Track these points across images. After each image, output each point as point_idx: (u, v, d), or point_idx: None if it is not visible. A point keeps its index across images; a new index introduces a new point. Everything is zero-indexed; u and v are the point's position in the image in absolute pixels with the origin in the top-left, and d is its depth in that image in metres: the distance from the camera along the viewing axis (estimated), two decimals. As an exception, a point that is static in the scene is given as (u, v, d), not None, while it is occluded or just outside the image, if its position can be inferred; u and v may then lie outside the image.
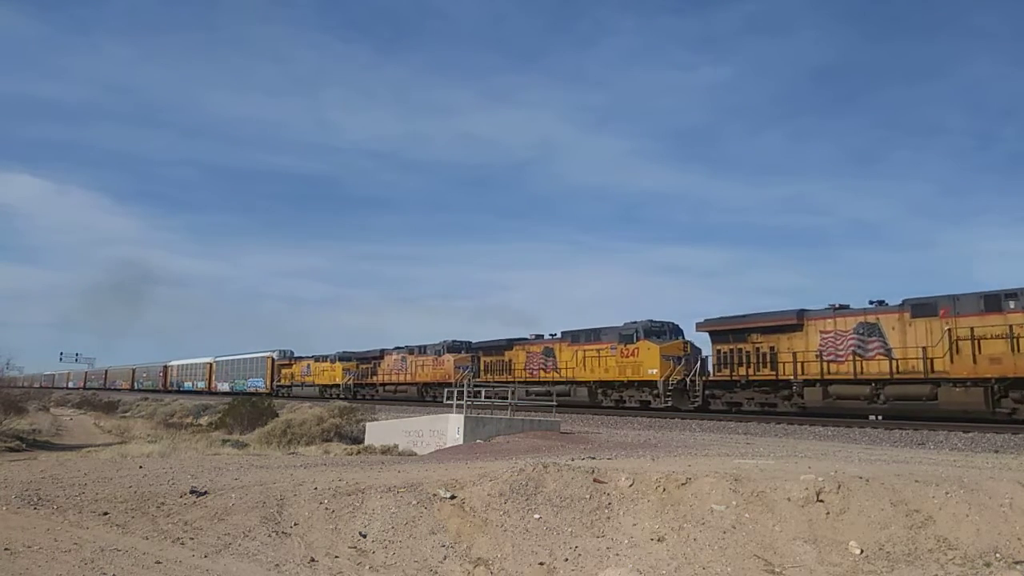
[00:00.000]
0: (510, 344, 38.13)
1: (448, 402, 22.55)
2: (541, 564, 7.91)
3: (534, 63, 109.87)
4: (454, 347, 41.79)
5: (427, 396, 41.02)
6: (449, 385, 32.81)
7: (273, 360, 62.33)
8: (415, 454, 17.71)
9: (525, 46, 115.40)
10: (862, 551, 7.64)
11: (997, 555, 7.37)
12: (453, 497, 9.15)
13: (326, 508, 8.74)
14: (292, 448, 19.48)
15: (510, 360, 37.56)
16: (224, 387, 68.41)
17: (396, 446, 19.06)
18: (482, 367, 39.08)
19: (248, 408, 28.71)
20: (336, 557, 7.79)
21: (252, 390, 59.63)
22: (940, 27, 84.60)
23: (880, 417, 22.58)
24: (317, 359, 55.74)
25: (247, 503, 8.79)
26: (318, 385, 54.16)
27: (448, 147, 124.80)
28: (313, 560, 7.63)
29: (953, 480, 8.70)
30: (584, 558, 7.95)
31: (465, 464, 12.32)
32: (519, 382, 33.35)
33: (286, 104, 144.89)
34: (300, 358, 59.19)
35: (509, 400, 21.53)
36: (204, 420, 35.94)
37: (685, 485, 8.96)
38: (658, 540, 8.12)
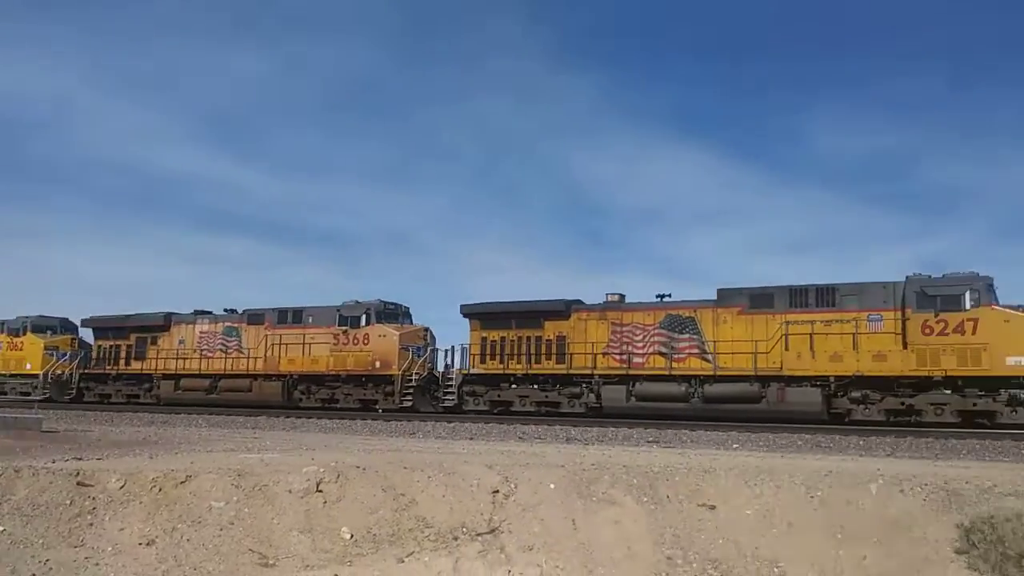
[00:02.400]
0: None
1: None
2: (0, 584, 6.85)
3: (48, 11, 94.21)
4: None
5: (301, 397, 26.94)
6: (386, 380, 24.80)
7: None
8: None
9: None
10: (352, 536, 8.16)
11: (464, 529, 8.49)
12: None
13: None
14: None
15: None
16: None
17: None
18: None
19: None
20: None
21: None
22: (469, 63, 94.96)
23: (382, 410, 24.82)
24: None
25: None
26: None
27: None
28: None
29: (435, 465, 9.78)
30: (56, 571, 7.09)
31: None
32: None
33: None
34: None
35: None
36: None
37: (184, 483, 8.58)
38: (147, 544, 7.62)
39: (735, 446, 15.43)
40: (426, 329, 26.36)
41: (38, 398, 28.25)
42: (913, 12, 77.21)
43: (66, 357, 31.55)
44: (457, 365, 24.96)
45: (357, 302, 26.21)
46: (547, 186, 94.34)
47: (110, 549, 7.54)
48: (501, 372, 23.37)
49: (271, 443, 14.37)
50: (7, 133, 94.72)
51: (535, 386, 23.03)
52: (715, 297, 21.49)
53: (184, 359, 28.67)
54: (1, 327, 33.01)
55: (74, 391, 30.67)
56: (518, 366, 23.14)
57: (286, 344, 26.51)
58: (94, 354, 31.44)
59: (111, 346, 30.88)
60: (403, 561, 7.80)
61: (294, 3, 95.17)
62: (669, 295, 22.50)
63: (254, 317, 27.89)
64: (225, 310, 28.94)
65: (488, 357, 23.84)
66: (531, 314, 23.39)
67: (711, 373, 20.75)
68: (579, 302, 23.46)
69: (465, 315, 24.65)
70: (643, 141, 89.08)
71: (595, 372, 21.99)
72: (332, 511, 8.53)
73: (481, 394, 23.69)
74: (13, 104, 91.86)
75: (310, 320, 26.59)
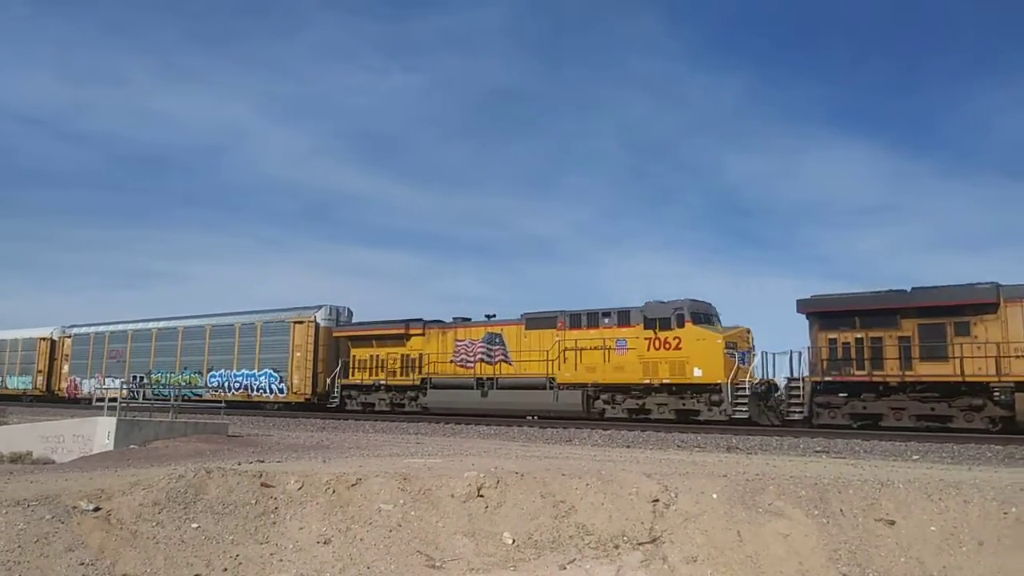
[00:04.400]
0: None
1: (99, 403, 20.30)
2: (197, 576, 7.45)
3: (224, 45, 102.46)
4: None
5: None
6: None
7: (318, 327, 31.38)
8: (53, 462, 15.70)
9: (213, 24, 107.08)
10: (514, 541, 8.26)
11: (624, 538, 8.40)
12: (97, 509, 8.25)
13: (-70, 529, 7.39)
14: None
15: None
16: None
17: (29, 453, 16.72)
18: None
19: None
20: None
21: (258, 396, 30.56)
22: (602, 68, 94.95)
23: (536, 417, 25.16)
24: (534, 321, 26.27)
25: None
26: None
27: (121, 120, 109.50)
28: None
29: (593, 473, 9.74)
30: (245, 566, 7.63)
31: (115, 472, 11.18)
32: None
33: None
34: (435, 324, 29.34)
35: (172, 402, 20.02)
36: None
37: (355, 486, 9.01)
38: (325, 543, 8.06)
39: (915, 457, 14.41)
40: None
41: (720, 418, 21.84)
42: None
43: (745, 357, 22.85)
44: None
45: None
46: (698, 187, 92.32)
47: (291, 546, 8.03)
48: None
49: (433, 448, 14.84)
50: (189, 162, 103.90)
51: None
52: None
53: None
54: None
55: (803, 410, 21.12)
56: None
57: None
58: (824, 355, 21.07)
59: (858, 339, 20.84)
60: (565, 568, 7.81)
61: (434, 22, 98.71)
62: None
63: None
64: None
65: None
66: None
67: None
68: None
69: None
70: (798, 135, 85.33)
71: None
72: (494, 516, 8.69)
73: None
74: (192, 135, 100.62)
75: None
